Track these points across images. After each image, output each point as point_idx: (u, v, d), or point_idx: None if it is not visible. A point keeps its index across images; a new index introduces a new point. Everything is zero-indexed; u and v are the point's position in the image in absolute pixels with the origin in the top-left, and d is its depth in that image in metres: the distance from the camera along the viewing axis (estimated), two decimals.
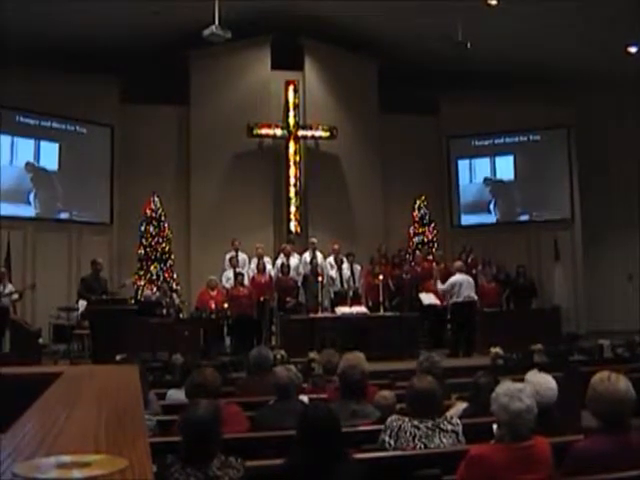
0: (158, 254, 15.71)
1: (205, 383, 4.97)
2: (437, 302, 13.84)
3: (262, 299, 13.89)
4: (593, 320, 17.00)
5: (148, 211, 15.90)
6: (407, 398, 4.54)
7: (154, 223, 15.85)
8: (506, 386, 3.84)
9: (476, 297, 13.43)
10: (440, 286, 13.77)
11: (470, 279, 13.49)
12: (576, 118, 18.12)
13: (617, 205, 18.08)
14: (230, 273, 14.28)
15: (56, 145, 16.00)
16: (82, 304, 12.35)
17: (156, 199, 15.98)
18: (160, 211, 15.96)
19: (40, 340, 12.68)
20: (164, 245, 15.82)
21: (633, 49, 15.99)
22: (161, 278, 15.48)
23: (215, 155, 16.58)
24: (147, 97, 16.20)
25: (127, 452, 2.27)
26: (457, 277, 13.33)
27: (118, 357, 8.61)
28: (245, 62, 17.03)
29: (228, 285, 14.06)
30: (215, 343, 12.94)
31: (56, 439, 2.52)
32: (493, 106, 17.79)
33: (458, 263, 13.92)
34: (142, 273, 15.53)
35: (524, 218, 18.64)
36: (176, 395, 6.41)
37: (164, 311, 13.66)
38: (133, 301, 13.48)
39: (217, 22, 13.16)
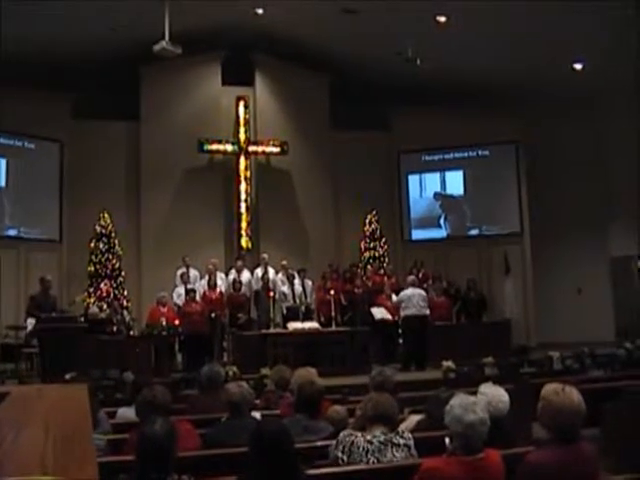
0: (108, 271, 15.52)
1: (156, 400, 4.91)
2: (389, 316, 13.87)
3: (213, 315, 13.79)
4: (543, 332, 17.20)
5: (98, 228, 15.70)
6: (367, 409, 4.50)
7: (104, 240, 15.68)
8: (460, 399, 3.85)
9: (428, 312, 13.46)
10: (394, 299, 13.90)
11: (422, 293, 13.53)
12: (524, 134, 18.38)
13: (565, 219, 18.37)
14: (181, 289, 14.21)
15: (3, 161, 15.72)
16: (31, 322, 12.10)
17: (106, 215, 15.79)
18: (110, 227, 15.79)
19: None
20: (114, 262, 15.64)
21: (578, 66, 16.31)
22: (111, 295, 15.29)
23: (166, 171, 16.48)
24: (98, 113, 16.09)
25: (75, 473, 2.22)
26: (408, 291, 13.40)
27: (67, 376, 8.46)
28: (196, 78, 16.98)
29: (179, 301, 13.99)
30: (166, 360, 12.78)
31: (2, 462, 2.45)
32: (443, 121, 17.98)
33: (410, 277, 14.03)
34: (92, 290, 15.32)
35: (474, 232, 18.81)
36: (127, 413, 6.31)
37: (114, 328, 13.47)
38: (83, 319, 13.25)
39: (167, 37, 13.10)
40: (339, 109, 17.76)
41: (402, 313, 13.37)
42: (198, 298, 13.84)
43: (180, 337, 13.33)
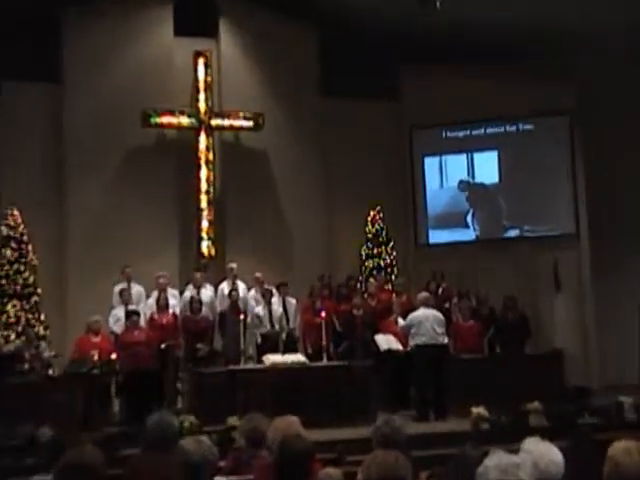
0: (18, 288, 15.38)
1: (83, 464, 4.82)
2: (399, 346, 13.84)
3: (164, 346, 13.77)
4: (608, 370, 17.21)
5: (4, 229, 15.56)
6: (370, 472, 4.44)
7: (12, 245, 15.51)
8: (498, 458, 3.79)
9: (446, 340, 13.44)
10: (401, 323, 13.87)
11: (439, 315, 13.45)
12: (581, 102, 18.32)
13: (638, 216, 18.25)
14: (120, 312, 14.18)
15: None
16: None
17: (16, 213, 15.65)
18: (21, 229, 15.63)
19: None
20: (27, 275, 15.49)
21: None
22: (22, 321, 15.14)
23: (99, 152, 16.37)
24: (4, 71, 15.89)
25: None
26: (419, 312, 13.32)
27: None
28: (139, 26, 16.94)
29: (117, 328, 13.95)
30: (99, 409, 12.69)
31: None
32: (470, 86, 17.97)
33: (423, 294, 13.93)
34: None
35: (513, 234, 18.89)
36: None
37: (26, 366, 13.34)
38: None
39: None
40: (332, 70, 17.71)
41: (411, 342, 13.32)
42: (143, 323, 13.86)
43: (118, 377, 13.23)
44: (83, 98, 16.51)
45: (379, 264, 17.75)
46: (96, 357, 12.86)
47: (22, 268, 15.45)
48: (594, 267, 18.16)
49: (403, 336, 13.78)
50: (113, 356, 13.08)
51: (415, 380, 13.63)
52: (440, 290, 16.07)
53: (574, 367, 15.85)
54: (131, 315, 13.65)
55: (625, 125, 18.38)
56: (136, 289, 14.75)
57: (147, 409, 11.41)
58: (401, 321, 14.07)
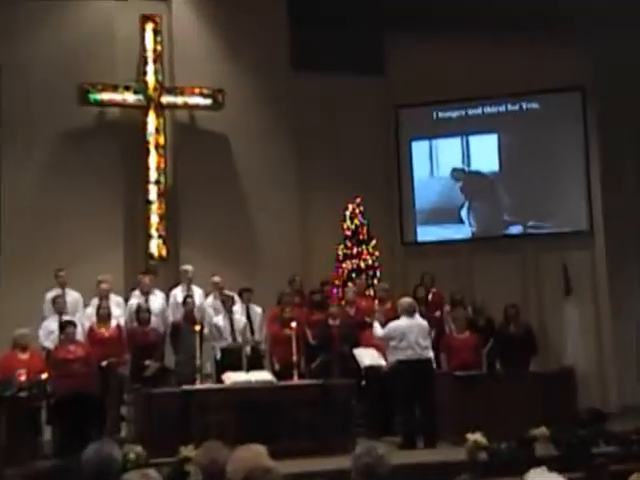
0: None
1: None
2: (382, 362, 13.81)
3: (106, 363, 13.68)
4: (628, 390, 17.22)
5: None
6: None
7: None
8: None
9: (432, 354, 13.42)
10: (378, 332, 13.73)
11: (424, 325, 13.44)
12: (596, 75, 18.25)
13: None
14: (53, 323, 14.08)
15: None
16: None
17: None
18: None
19: None
20: None
21: None
22: None
23: (26, 135, 16.24)
24: None
25: None
26: (401, 322, 13.28)
27: None
28: None
29: (49, 343, 13.85)
30: (26, 438, 12.50)
31: None
32: (466, 58, 17.98)
33: (405, 300, 13.78)
34: None
35: (515, 231, 18.91)
36: None
37: None
38: None
39: None
40: (305, 39, 17.68)
41: (392, 357, 13.28)
42: (81, 337, 13.77)
43: (50, 400, 13.10)
44: (7, 72, 16.26)
45: (359, 266, 17.68)
46: (23, 377, 12.65)
47: None
48: (610, 269, 18.11)
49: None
50: (44, 376, 12.89)
51: (399, 402, 13.59)
52: (430, 296, 16.00)
53: (588, 387, 15.90)
54: (66, 327, 13.51)
55: None
56: (72, 296, 14.66)
57: (84, 438, 11.26)
58: (378, 327, 13.87)
